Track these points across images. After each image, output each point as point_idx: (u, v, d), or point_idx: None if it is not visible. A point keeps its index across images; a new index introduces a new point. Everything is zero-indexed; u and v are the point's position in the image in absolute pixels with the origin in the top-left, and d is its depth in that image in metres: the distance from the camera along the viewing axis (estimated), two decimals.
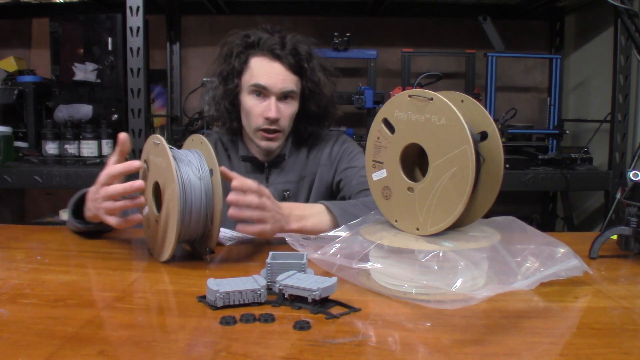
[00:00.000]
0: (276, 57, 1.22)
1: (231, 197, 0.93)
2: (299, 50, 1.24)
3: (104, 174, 0.93)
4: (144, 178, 0.97)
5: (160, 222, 0.92)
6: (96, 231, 1.09)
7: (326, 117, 1.34)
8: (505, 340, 0.63)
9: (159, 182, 0.94)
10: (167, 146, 0.90)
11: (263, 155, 1.32)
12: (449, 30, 2.55)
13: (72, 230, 1.12)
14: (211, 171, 0.92)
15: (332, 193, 1.35)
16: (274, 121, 1.23)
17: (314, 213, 1.09)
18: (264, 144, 1.26)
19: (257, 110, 1.23)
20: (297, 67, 1.24)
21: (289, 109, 1.25)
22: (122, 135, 0.94)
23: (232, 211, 0.94)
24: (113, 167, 0.93)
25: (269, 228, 0.98)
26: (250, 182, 0.95)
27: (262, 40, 1.23)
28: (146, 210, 0.96)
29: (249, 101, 1.24)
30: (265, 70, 1.22)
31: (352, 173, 1.29)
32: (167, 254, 0.91)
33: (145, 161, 0.97)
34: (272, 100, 1.22)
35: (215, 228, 0.92)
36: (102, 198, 0.92)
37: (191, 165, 0.92)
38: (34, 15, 2.51)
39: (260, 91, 1.23)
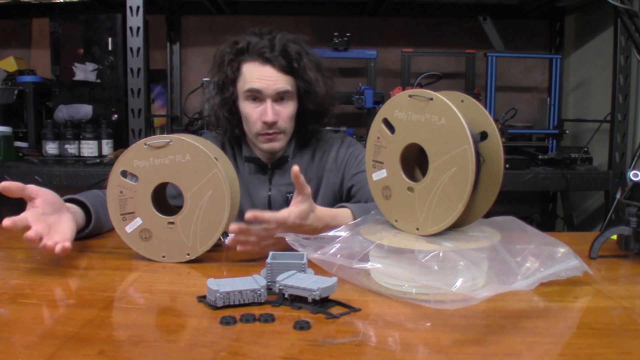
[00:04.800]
0: (266, 60, 1.22)
1: (233, 227, 0.93)
2: (289, 51, 1.23)
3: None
4: (128, 190, 0.95)
5: (194, 217, 0.93)
6: (90, 236, 1.09)
7: (325, 115, 1.34)
8: (505, 340, 0.63)
9: (169, 182, 0.95)
10: (196, 143, 0.93)
11: (266, 156, 1.31)
12: (449, 30, 2.55)
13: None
14: (215, 159, 0.94)
15: (340, 198, 1.35)
16: (272, 124, 1.23)
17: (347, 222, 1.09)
18: (266, 146, 1.26)
19: (254, 116, 1.23)
20: (288, 68, 1.24)
21: (287, 109, 1.25)
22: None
23: (231, 241, 0.94)
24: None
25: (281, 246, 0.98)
26: (266, 217, 0.92)
27: (251, 45, 1.23)
28: (136, 223, 0.95)
29: (246, 107, 1.24)
30: (257, 75, 1.22)
31: (363, 177, 1.28)
32: (208, 245, 0.94)
33: (123, 172, 0.95)
34: (268, 103, 1.22)
35: (234, 211, 0.97)
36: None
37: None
38: (34, 15, 2.51)
39: (256, 95, 1.23)
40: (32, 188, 0.92)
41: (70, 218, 0.96)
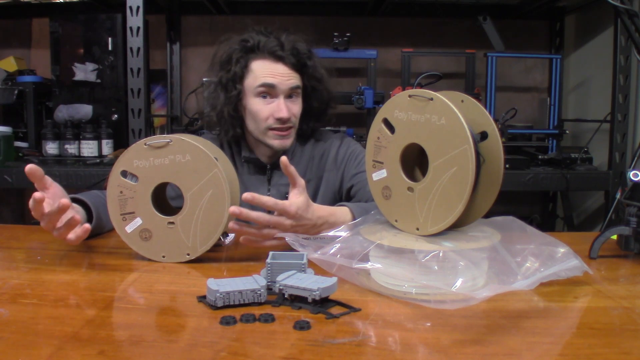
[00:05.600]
0: (278, 58, 1.22)
1: (233, 208, 0.92)
2: (299, 50, 1.25)
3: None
4: (128, 190, 0.95)
5: (194, 217, 0.93)
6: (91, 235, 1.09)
7: (327, 113, 1.36)
8: (505, 340, 0.63)
9: (169, 182, 0.95)
10: (196, 143, 0.93)
11: (266, 157, 1.32)
12: (449, 30, 2.55)
13: None
14: (215, 159, 0.94)
15: (340, 198, 1.35)
16: (286, 120, 1.23)
17: (346, 221, 1.07)
18: (277, 142, 1.25)
19: (265, 112, 1.23)
20: (299, 66, 1.25)
21: (297, 106, 1.26)
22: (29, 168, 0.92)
23: (232, 224, 0.94)
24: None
25: (275, 243, 0.97)
26: (265, 199, 0.93)
27: (262, 43, 1.23)
28: (136, 223, 0.95)
29: (255, 104, 1.24)
30: (269, 71, 1.22)
31: (364, 178, 1.28)
32: (208, 245, 0.94)
33: (123, 172, 0.95)
34: (281, 99, 1.22)
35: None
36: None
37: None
38: (34, 15, 2.51)
39: (268, 92, 1.23)
40: (47, 179, 0.95)
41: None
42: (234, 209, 0.91)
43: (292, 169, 0.96)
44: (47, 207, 0.90)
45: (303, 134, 1.35)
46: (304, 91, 1.28)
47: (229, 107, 1.27)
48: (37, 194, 0.88)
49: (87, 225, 0.92)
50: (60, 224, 0.91)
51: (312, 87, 1.28)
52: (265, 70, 1.23)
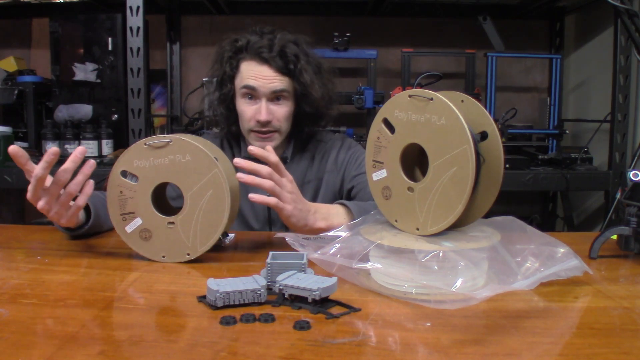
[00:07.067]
0: (264, 60, 1.22)
1: (237, 160, 0.95)
2: (286, 52, 1.23)
3: (58, 176, 0.94)
4: (128, 190, 0.95)
5: (194, 217, 0.93)
6: (89, 233, 1.09)
7: (321, 117, 1.34)
8: (505, 340, 0.63)
9: (169, 184, 0.95)
10: (196, 143, 0.93)
11: None
12: (449, 30, 2.55)
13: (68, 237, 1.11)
14: (215, 159, 0.94)
15: (340, 199, 1.35)
16: (266, 123, 1.23)
17: (338, 213, 1.09)
18: (257, 144, 1.26)
19: (248, 114, 1.24)
20: (285, 69, 1.24)
21: (282, 109, 1.25)
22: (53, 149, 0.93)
23: (239, 175, 0.94)
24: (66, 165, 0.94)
25: (289, 208, 0.98)
26: (258, 166, 0.96)
27: (250, 44, 1.24)
28: (136, 223, 0.95)
29: (241, 105, 1.25)
30: (253, 73, 1.23)
31: (364, 179, 1.28)
32: (208, 245, 0.93)
33: (123, 172, 0.95)
34: (263, 102, 1.23)
35: (234, 211, 0.97)
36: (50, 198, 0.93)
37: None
38: (34, 15, 2.51)
39: (251, 94, 1.24)
40: (32, 166, 0.95)
41: None
42: (238, 160, 0.94)
43: (260, 151, 0.97)
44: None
45: (300, 137, 1.35)
46: (295, 94, 1.28)
47: (222, 105, 1.29)
48: (38, 172, 0.90)
49: (92, 161, 0.93)
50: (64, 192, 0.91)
51: (301, 92, 1.27)
52: (250, 72, 1.23)
